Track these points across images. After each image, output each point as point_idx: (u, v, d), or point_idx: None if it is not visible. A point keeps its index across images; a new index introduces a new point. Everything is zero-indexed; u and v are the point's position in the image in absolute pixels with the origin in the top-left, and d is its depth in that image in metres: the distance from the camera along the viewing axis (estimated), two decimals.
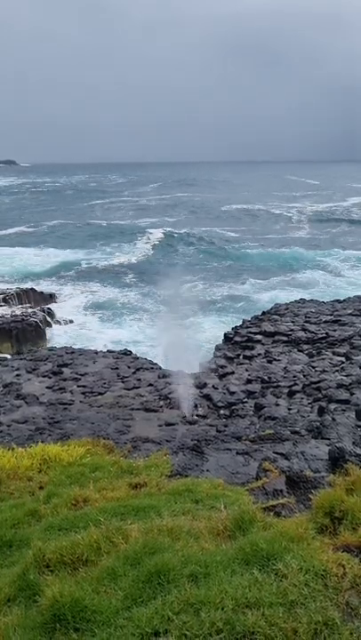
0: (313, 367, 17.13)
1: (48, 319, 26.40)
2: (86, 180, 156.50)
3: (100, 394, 16.22)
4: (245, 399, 15.40)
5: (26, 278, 37.27)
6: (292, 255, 46.48)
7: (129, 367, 18.54)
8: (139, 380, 17.23)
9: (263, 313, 24.76)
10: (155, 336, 25.20)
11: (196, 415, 14.72)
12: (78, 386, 16.97)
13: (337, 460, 6.50)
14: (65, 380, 17.49)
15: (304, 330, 21.02)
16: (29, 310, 26.39)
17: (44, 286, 34.73)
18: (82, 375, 17.76)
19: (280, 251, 48.87)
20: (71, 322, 27.44)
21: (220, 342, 21.64)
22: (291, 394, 14.98)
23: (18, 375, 17.91)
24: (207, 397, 15.66)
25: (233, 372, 17.66)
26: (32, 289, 31.87)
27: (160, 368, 18.94)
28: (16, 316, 25.40)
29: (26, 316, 25.21)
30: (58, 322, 27.08)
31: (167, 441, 11.76)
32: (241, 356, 19.44)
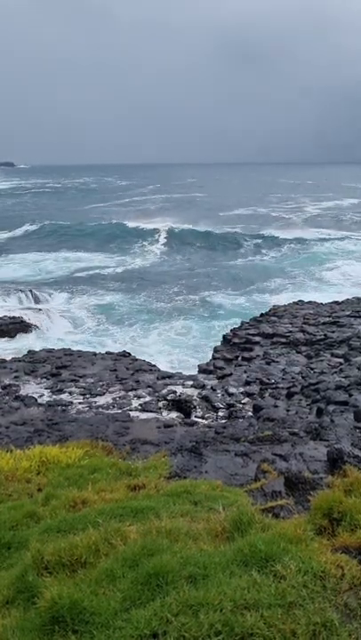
0: (311, 369, 17.16)
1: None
2: (87, 182, 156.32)
3: (99, 395, 16.22)
4: (244, 400, 15.41)
5: (28, 281, 37.24)
6: None
7: (127, 369, 18.52)
8: (137, 381, 17.21)
9: (262, 314, 24.77)
10: (155, 337, 25.20)
11: (195, 417, 14.72)
12: (77, 387, 16.96)
13: (335, 462, 6.50)
14: (63, 381, 17.47)
15: (303, 331, 21.04)
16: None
17: (45, 288, 34.75)
18: (80, 377, 17.74)
19: None
20: (70, 323, 27.42)
21: (219, 344, 21.64)
22: (289, 395, 14.99)
23: (16, 377, 17.89)
24: (206, 399, 15.66)
25: (231, 374, 17.66)
26: (31, 290, 31.83)
27: (159, 370, 18.93)
28: (15, 317, 25.37)
29: (24, 318, 25.19)
30: (57, 324, 27.05)
31: (166, 442, 11.76)
32: (240, 358, 19.44)
